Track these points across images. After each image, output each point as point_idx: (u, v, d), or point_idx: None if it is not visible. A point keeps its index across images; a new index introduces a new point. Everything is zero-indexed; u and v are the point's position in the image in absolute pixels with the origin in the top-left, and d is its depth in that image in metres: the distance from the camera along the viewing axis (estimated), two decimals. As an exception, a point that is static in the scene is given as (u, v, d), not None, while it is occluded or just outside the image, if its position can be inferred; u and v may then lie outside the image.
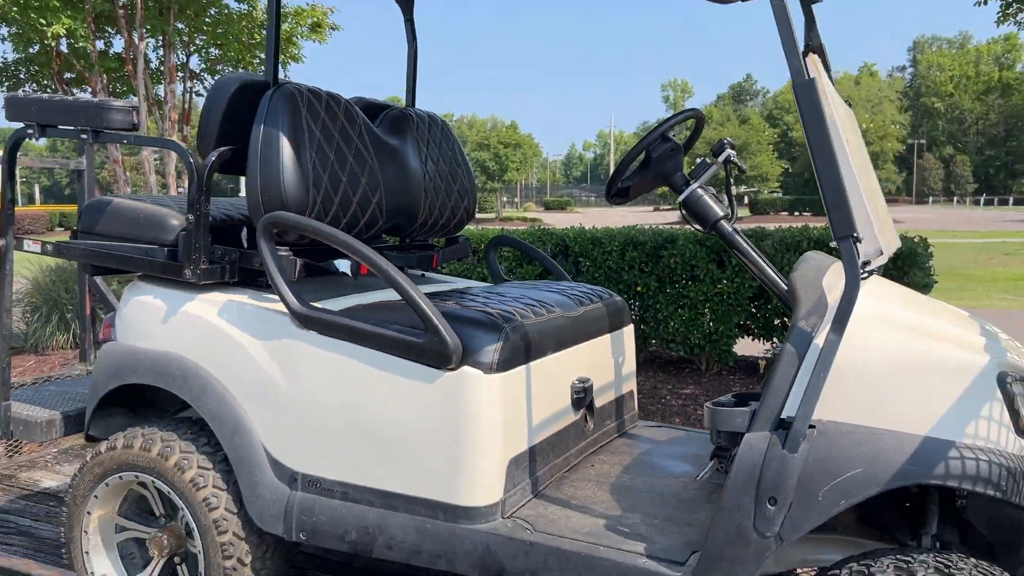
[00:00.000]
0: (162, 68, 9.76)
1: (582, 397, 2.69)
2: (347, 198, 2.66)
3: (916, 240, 5.66)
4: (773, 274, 2.60)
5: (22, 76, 9.92)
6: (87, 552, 2.65)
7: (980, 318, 2.32)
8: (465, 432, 2.20)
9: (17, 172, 2.92)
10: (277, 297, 2.43)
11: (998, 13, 8.85)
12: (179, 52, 9.86)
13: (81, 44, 8.82)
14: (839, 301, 1.87)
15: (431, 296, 2.51)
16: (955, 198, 77.12)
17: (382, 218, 2.84)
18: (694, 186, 2.59)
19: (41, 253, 2.85)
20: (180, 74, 9.92)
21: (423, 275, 3.39)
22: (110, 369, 2.65)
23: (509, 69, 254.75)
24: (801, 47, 1.92)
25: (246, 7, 9.88)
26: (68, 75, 9.54)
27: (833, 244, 1.89)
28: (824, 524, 2.11)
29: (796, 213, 50.49)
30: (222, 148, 2.59)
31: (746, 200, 58.43)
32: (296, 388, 2.39)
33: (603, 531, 2.19)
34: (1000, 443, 1.86)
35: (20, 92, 10.05)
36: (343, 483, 2.34)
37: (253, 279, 2.66)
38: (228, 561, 2.44)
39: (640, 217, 42.75)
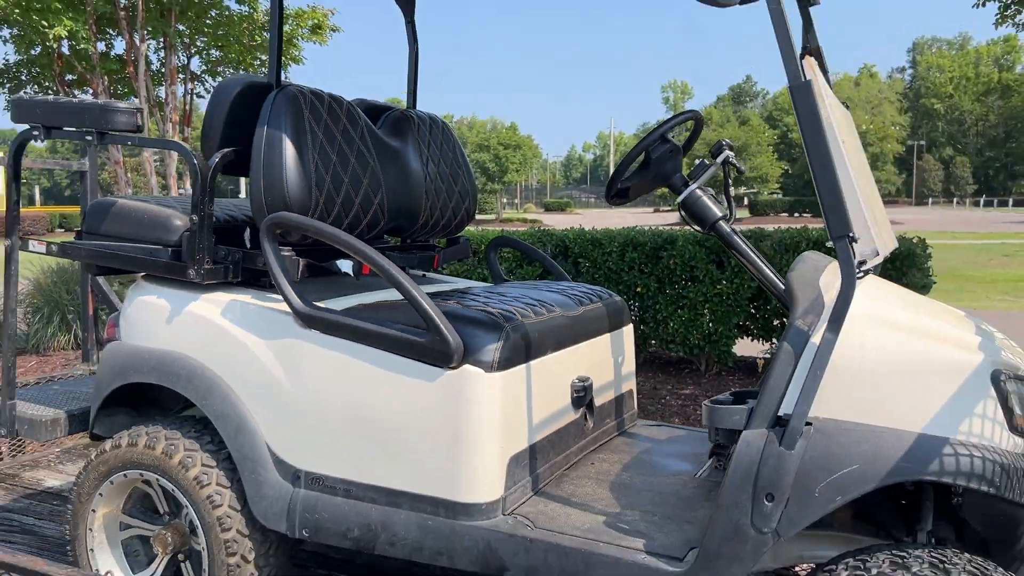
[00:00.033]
0: (163, 70, 9.80)
1: (582, 396, 2.71)
2: (349, 199, 2.69)
3: (915, 241, 5.68)
4: (771, 274, 2.62)
5: (24, 78, 9.95)
6: (92, 549, 2.68)
7: (976, 317, 2.34)
8: (466, 430, 2.23)
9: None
10: (280, 297, 2.46)
11: (996, 15, 8.88)
12: (180, 54, 9.89)
13: (83, 46, 8.85)
14: (835, 300, 1.90)
15: (432, 296, 2.54)
16: (955, 199, 77.17)
17: (384, 219, 2.87)
18: (693, 187, 2.62)
19: (46, 253, 2.87)
20: (181, 76, 9.95)
21: (424, 275, 3.42)
22: (115, 368, 2.68)
23: (509, 70, 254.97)
24: (799, 49, 1.95)
25: (247, 9, 9.91)
26: (69, 77, 9.58)
27: (830, 244, 1.92)
28: (821, 521, 2.13)
29: (796, 214, 50.49)
30: (225, 149, 2.61)
31: (746, 201, 58.47)
32: (299, 387, 2.41)
33: (603, 528, 2.21)
34: (994, 440, 1.89)
35: (22, 93, 10.09)
36: (346, 480, 2.37)
37: (256, 279, 2.69)
38: (232, 558, 2.47)
39: (640, 218, 42.78)
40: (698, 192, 2.61)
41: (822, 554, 2.22)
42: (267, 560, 2.54)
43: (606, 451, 2.84)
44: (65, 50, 9.11)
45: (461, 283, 3.34)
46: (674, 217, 36.22)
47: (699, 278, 6.03)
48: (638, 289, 6.21)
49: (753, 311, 6.04)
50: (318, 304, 2.44)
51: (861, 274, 1.91)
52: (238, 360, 2.50)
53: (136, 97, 9.11)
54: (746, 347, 6.46)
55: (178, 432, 2.58)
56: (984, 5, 8.86)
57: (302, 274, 2.56)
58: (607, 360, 2.96)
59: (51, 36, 8.21)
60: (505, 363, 2.28)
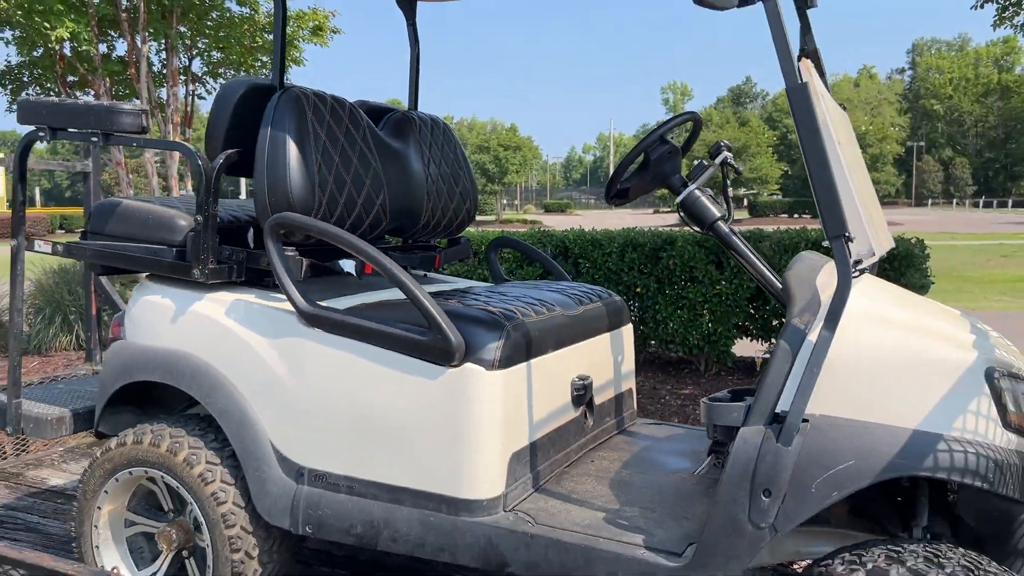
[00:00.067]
0: (164, 71, 9.82)
1: (582, 394, 2.74)
2: (352, 199, 2.72)
3: (913, 242, 5.71)
4: (769, 273, 2.65)
5: (25, 79, 9.97)
6: (97, 546, 2.71)
7: (971, 316, 2.37)
8: (468, 427, 2.26)
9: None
10: (283, 296, 2.49)
11: (995, 16, 8.91)
12: (181, 55, 9.91)
13: (85, 48, 8.87)
14: (832, 299, 1.93)
15: (434, 295, 2.57)
16: (954, 200, 77.22)
17: (386, 219, 2.90)
18: (692, 187, 2.65)
19: (52, 253, 2.90)
20: (182, 77, 9.97)
21: (425, 275, 3.45)
22: (120, 367, 2.71)
23: (509, 71, 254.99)
24: (796, 51, 1.98)
25: (248, 11, 9.93)
26: (71, 78, 9.60)
27: (827, 244, 1.95)
28: (817, 517, 2.16)
29: (796, 216, 50.54)
30: (229, 150, 2.64)
31: (745, 203, 58.50)
32: (303, 385, 2.44)
33: (603, 524, 2.24)
34: (988, 436, 1.92)
35: (24, 95, 10.12)
36: (349, 478, 2.40)
37: (259, 279, 2.72)
38: (236, 554, 2.49)
39: (640, 219, 42.83)
40: (697, 192, 2.64)
41: (819, 550, 2.24)
42: (271, 556, 2.56)
43: (606, 449, 2.87)
44: (67, 52, 9.13)
45: (462, 283, 3.37)
46: (673, 218, 36.26)
47: (698, 279, 6.06)
48: (638, 289, 6.24)
49: (752, 311, 6.07)
50: (321, 303, 2.47)
51: (857, 273, 1.94)
52: (242, 358, 2.53)
53: (138, 99, 9.14)
54: (745, 347, 6.50)
55: (182, 430, 2.61)
56: (982, 7, 8.90)
57: (305, 274, 2.59)
58: (607, 359, 2.99)
59: (53, 38, 8.23)
60: (506, 361, 2.31)
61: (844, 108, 2.66)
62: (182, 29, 9.57)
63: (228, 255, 2.65)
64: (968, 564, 1.80)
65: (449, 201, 3.28)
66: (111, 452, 2.65)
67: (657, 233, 6.40)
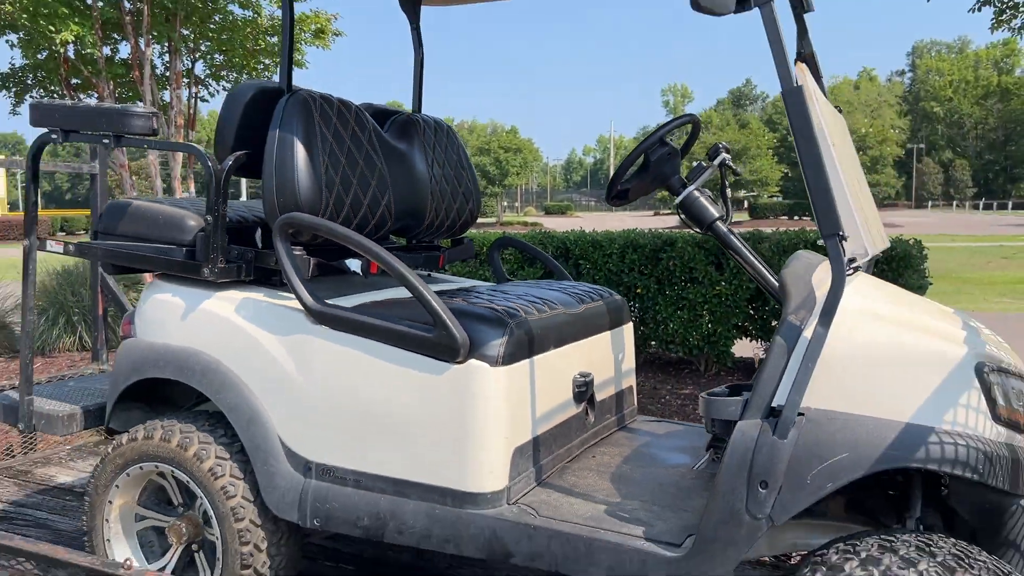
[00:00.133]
0: (168, 74, 9.88)
1: (583, 391, 2.80)
2: (358, 200, 2.78)
3: (911, 243, 5.77)
4: (766, 272, 2.71)
5: (29, 82, 10.04)
6: (108, 540, 2.76)
7: (963, 314, 2.43)
8: (472, 422, 2.31)
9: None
10: (291, 295, 2.55)
11: (992, 19, 8.98)
12: (184, 58, 9.98)
13: (89, 51, 8.93)
14: (826, 296, 1.99)
15: (439, 294, 2.62)
16: (954, 202, 77.30)
17: (391, 219, 2.96)
18: (691, 188, 2.70)
19: (64, 253, 2.96)
20: (186, 80, 10.04)
21: (429, 275, 3.50)
22: (131, 364, 2.77)
23: (511, 74, 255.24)
24: (792, 55, 2.03)
25: (250, 14, 10.00)
26: (75, 81, 9.66)
27: (821, 243, 2.01)
28: (813, 510, 2.22)
29: (796, 217, 50.60)
30: (238, 152, 2.70)
31: (745, 204, 58.58)
32: (310, 381, 2.50)
33: (604, 516, 2.29)
34: (978, 429, 1.97)
35: (27, 98, 10.18)
36: (356, 471, 2.45)
37: (267, 278, 2.78)
38: (245, 547, 2.55)
39: (640, 221, 42.85)
40: (696, 193, 2.70)
41: (815, 542, 2.29)
42: (279, 549, 2.62)
43: (607, 444, 2.92)
44: (71, 54, 9.19)
45: (466, 282, 3.42)
46: (673, 220, 36.32)
47: (698, 279, 6.12)
48: (638, 290, 6.29)
49: (752, 312, 6.12)
50: (328, 301, 2.52)
51: (851, 271, 2.00)
52: (251, 355, 2.58)
53: (141, 101, 9.20)
54: (745, 348, 6.55)
55: (192, 426, 2.66)
56: (980, 10, 8.96)
57: (312, 272, 2.64)
58: (608, 357, 3.04)
59: (58, 41, 8.29)
60: (509, 358, 2.36)
61: (840, 110, 2.72)
62: (185, 32, 9.64)
63: (237, 254, 2.71)
64: (959, 553, 1.85)
65: (452, 202, 3.34)
66: (122, 447, 2.70)
67: (657, 234, 6.46)
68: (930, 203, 78.50)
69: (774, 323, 6.01)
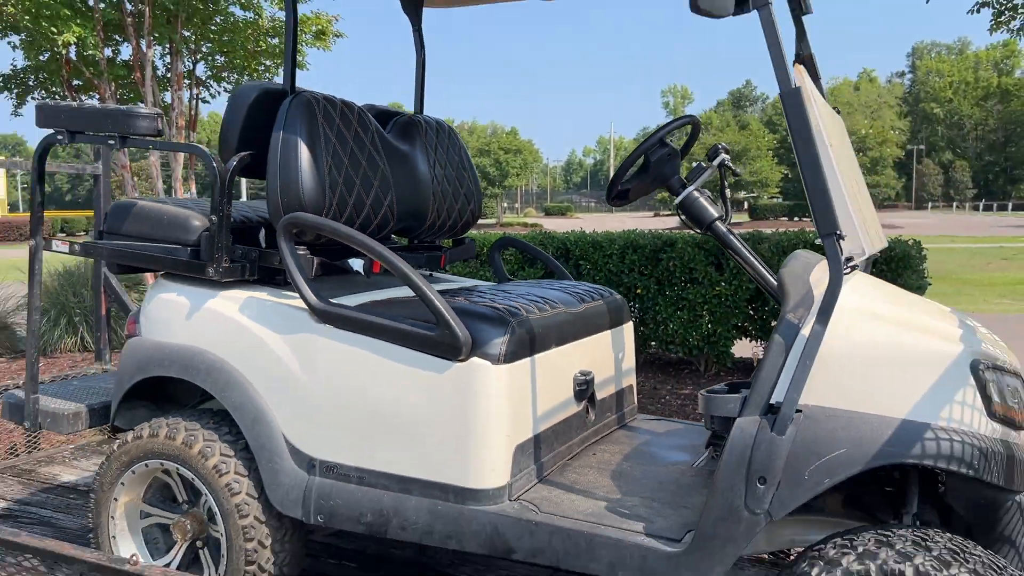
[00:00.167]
0: (169, 75, 9.91)
1: (584, 389, 2.82)
2: (360, 200, 2.81)
3: (909, 243, 5.80)
4: (765, 272, 2.74)
5: (31, 83, 10.06)
6: (114, 537, 2.79)
7: (959, 312, 2.45)
8: (474, 419, 2.34)
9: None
10: (295, 293, 2.58)
11: (991, 21, 9.00)
12: (185, 60, 10.00)
13: (90, 52, 8.95)
14: (824, 294, 2.02)
15: (441, 293, 2.65)
16: (954, 204, 77.33)
17: (393, 219, 2.99)
18: (690, 188, 2.73)
19: (69, 253, 2.99)
20: (187, 81, 10.06)
21: (431, 275, 3.53)
22: (137, 363, 2.79)
23: (512, 76, 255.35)
24: (791, 57, 2.06)
25: (251, 15, 10.02)
26: (77, 82, 9.68)
27: (819, 242, 2.04)
28: (811, 506, 2.25)
29: (796, 218, 50.64)
30: (243, 153, 2.73)
31: (745, 206, 58.62)
32: (314, 379, 2.53)
33: (604, 512, 2.32)
34: (973, 426, 2.00)
35: (28, 99, 10.20)
36: (359, 468, 2.48)
37: (271, 277, 2.81)
38: (249, 543, 2.58)
39: (640, 222, 42.86)
40: (695, 194, 2.72)
41: (813, 538, 2.32)
42: (283, 546, 2.64)
43: (607, 442, 2.95)
44: (73, 56, 9.21)
45: (467, 282, 3.45)
46: (673, 221, 36.36)
47: (698, 280, 6.15)
48: (638, 290, 6.32)
49: (751, 312, 6.15)
50: (332, 300, 2.55)
51: (848, 270, 2.03)
52: (256, 354, 2.61)
53: (143, 102, 9.22)
54: (744, 348, 6.58)
55: (197, 424, 2.69)
56: (979, 11, 8.99)
57: (316, 272, 2.67)
58: (608, 355, 3.07)
59: (60, 42, 8.31)
60: (511, 356, 2.39)
61: (838, 111, 2.75)
62: (186, 34, 9.66)
63: (241, 254, 2.73)
64: (954, 548, 1.88)
65: (454, 202, 3.37)
66: (128, 445, 2.73)
67: (657, 235, 6.49)
68: (930, 204, 78.55)
69: (773, 323, 6.00)
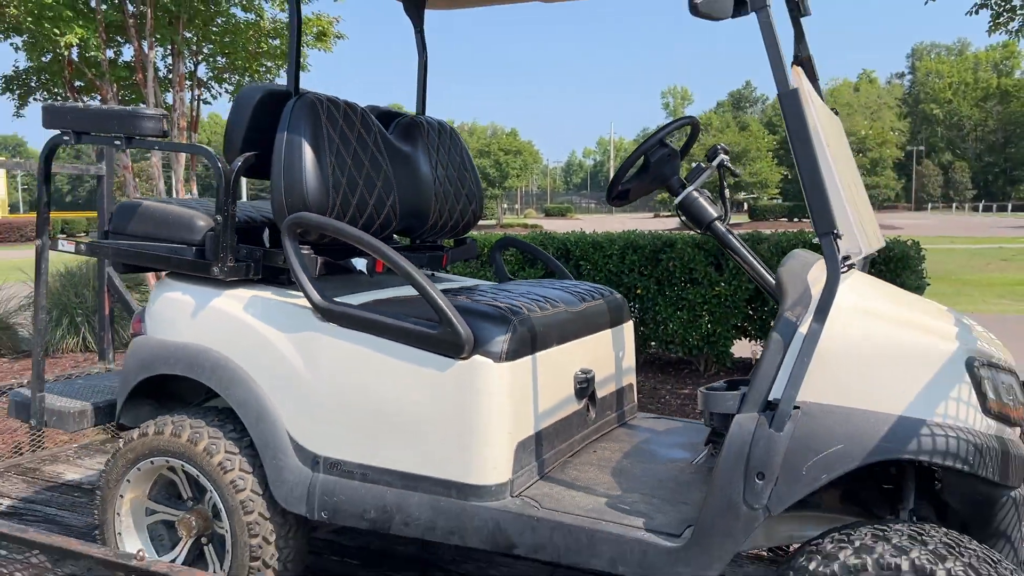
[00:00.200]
0: (170, 76, 9.94)
1: (585, 387, 2.85)
2: (364, 200, 2.84)
3: (908, 244, 5.83)
4: (764, 271, 2.77)
5: (33, 84, 10.09)
6: (119, 533, 2.82)
7: (955, 311, 2.48)
8: (476, 417, 2.37)
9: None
10: (299, 292, 2.61)
11: (989, 22, 9.04)
12: (187, 61, 10.04)
13: (92, 53, 8.99)
14: (821, 292, 2.05)
15: (443, 293, 2.68)
16: (954, 204, 77.37)
17: (395, 219, 3.02)
18: (690, 188, 2.76)
19: (75, 252, 3.02)
20: (188, 82, 10.10)
21: (433, 275, 3.56)
22: (142, 361, 2.82)
23: (511, 75, 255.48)
24: (789, 59, 2.09)
25: (253, 17, 10.06)
26: (79, 83, 9.72)
27: (816, 240, 2.07)
28: (809, 502, 2.28)
29: (796, 220, 50.65)
30: (247, 153, 2.76)
31: (745, 207, 58.62)
32: (318, 377, 2.56)
33: (605, 508, 2.35)
34: (968, 422, 2.03)
35: (31, 100, 10.24)
36: (362, 465, 2.51)
37: (275, 276, 2.84)
38: (254, 539, 2.60)
39: (640, 223, 42.91)
40: (695, 194, 2.75)
41: (811, 534, 2.35)
42: (287, 542, 2.67)
43: (607, 440, 2.98)
44: (75, 57, 9.25)
45: (469, 281, 3.48)
46: (673, 222, 36.39)
47: (698, 280, 6.17)
48: (638, 291, 6.35)
49: (751, 312, 6.18)
50: (335, 299, 2.58)
51: (845, 268, 2.06)
52: (260, 352, 2.64)
53: (144, 103, 9.26)
54: (744, 348, 6.61)
55: (202, 421, 2.72)
56: (977, 13, 9.03)
57: (319, 271, 2.70)
58: (608, 354, 3.10)
59: (62, 44, 8.34)
60: (513, 354, 2.42)
61: (836, 112, 2.78)
62: (188, 35, 9.69)
63: (246, 254, 2.76)
64: (949, 542, 1.91)
65: (456, 203, 3.40)
66: (134, 442, 2.76)
67: (657, 235, 6.51)
68: (930, 205, 78.59)
69: (773, 323, 6.05)
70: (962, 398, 2.04)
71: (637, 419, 3.32)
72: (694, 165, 2.81)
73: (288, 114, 2.69)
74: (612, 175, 2.96)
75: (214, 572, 2.74)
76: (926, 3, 8.71)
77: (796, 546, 2.71)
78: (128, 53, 9.89)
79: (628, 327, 3.29)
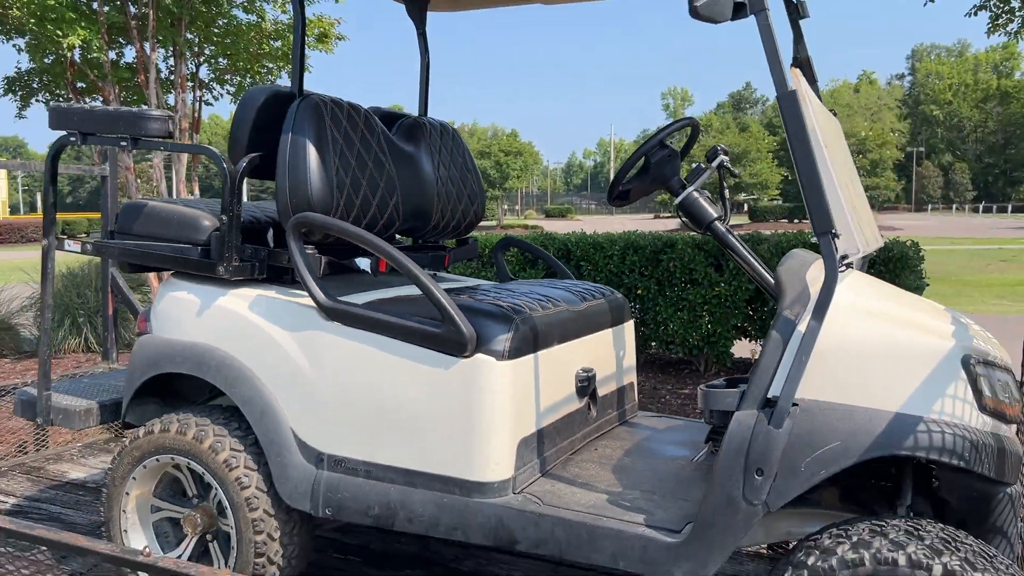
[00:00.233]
0: (172, 78, 9.97)
1: (586, 386, 2.88)
2: (367, 201, 2.87)
3: (907, 244, 5.86)
4: (763, 270, 2.79)
5: (35, 85, 10.12)
6: (125, 530, 2.85)
7: (952, 310, 2.51)
8: (479, 414, 2.40)
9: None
10: (303, 292, 2.64)
11: (988, 24, 9.07)
12: (189, 62, 10.06)
13: (95, 55, 9.01)
14: (819, 291, 2.08)
15: (446, 292, 2.71)
16: (954, 205, 77.38)
17: (398, 220, 3.05)
18: (690, 189, 2.78)
19: (81, 252, 3.05)
20: (190, 84, 10.12)
21: (435, 274, 3.59)
22: (148, 359, 2.85)
23: (511, 77, 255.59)
24: (788, 61, 2.12)
25: (254, 18, 10.09)
26: (81, 85, 9.74)
27: (815, 240, 2.09)
28: (808, 499, 2.31)
29: (796, 220, 50.65)
30: (252, 154, 2.79)
31: (745, 208, 58.64)
32: (322, 375, 2.59)
33: (606, 505, 2.38)
34: (964, 419, 2.06)
35: (33, 101, 10.26)
36: (366, 462, 2.54)
37: (279, 276, 2.87)
38: (259, 536, 2.63)
39: (640, 224, 42.92)
40: (695, 194, 2.78)
41: (810, 530, 2.37)
42: (291, 539, 2.70)
43: (608, 438, 3.01)
44: (77, 59, 9.27)
45: (471, 281, 3.51)
46: (673, 223, 36.43)
47: (698, 281, 6.20)
48: (639, 291, 6.38)
49: (751, 313, 6.21)
50: (339, 298, 2.61)
51: (843, 268, 2.09)
52: (265, 351, 2.67)
53: (146, 104, 9.29)
54: (744, 348, 6.63)
55: (207, 419, 2.75)
56: (976, 14, 9.06)
57: (323, 271, 2.73)
58: (609, 353, 3.13)
59: (65, 45, 8.37)
60: (515, 353, 2.45)
61: (834, 114, 2.81)
62: (190, 36, 9.72)
63: (251, 253, 2.79)
64: (946, 537, 1.94)
65: (458, 203, 3.43)
66: (139, 440, 2.79)
67: (657, 236, 6.54)
68: (930, 206, 78.60)
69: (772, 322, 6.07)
70: (958, 395, 2.07)
71: (638, 417, 3.34)
72: (694, 166, 2.83)
73: (292, 115, 2.72)
74: (612, 176, 2.99)
75: (219, 568, 2.77)
76: (925, 4, 8.74)
77: (795, 542, 2.74)
78: (130, 55, 9.92)
79: (629, 327, 3.32)
